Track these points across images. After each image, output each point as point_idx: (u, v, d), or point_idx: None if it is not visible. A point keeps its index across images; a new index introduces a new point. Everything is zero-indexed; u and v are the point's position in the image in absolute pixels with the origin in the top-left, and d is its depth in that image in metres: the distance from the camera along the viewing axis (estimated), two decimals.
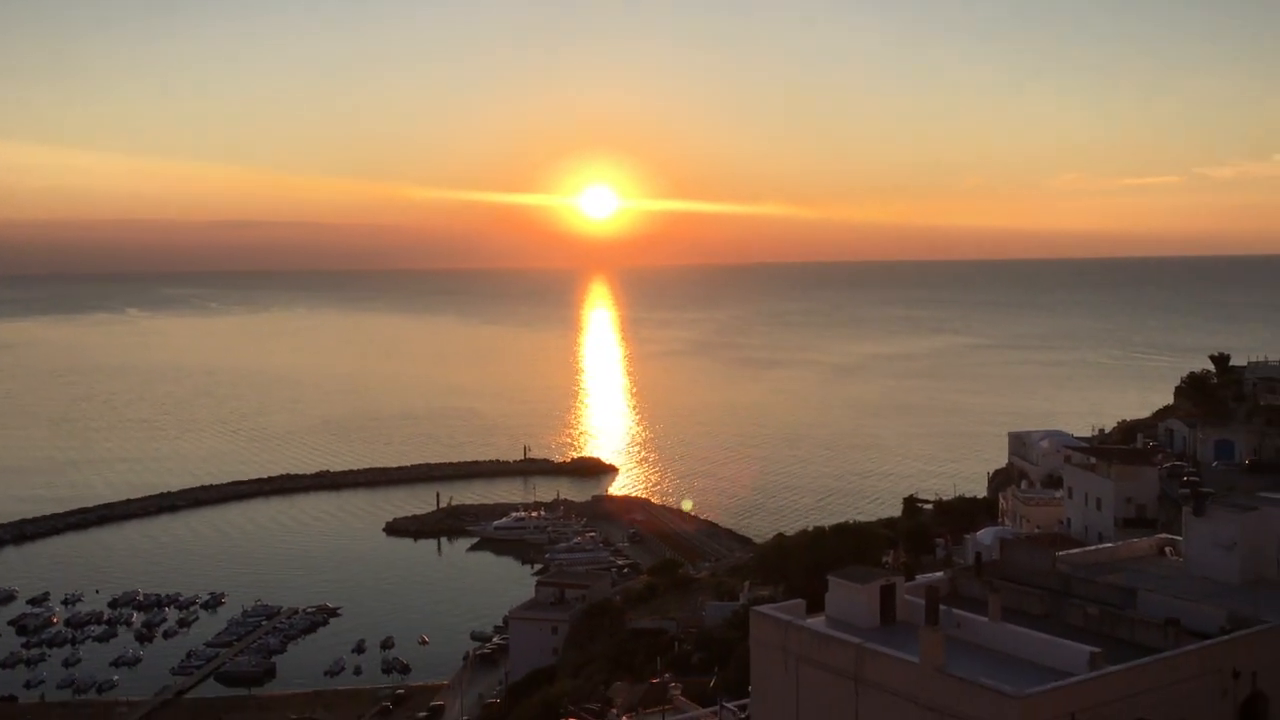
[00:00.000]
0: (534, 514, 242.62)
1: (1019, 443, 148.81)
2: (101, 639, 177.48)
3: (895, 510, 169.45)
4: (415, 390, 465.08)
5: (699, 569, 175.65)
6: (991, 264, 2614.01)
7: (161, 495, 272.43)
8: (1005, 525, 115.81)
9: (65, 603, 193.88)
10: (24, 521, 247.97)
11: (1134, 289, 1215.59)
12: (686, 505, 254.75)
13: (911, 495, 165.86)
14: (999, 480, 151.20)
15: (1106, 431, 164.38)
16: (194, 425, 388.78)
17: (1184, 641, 42.27)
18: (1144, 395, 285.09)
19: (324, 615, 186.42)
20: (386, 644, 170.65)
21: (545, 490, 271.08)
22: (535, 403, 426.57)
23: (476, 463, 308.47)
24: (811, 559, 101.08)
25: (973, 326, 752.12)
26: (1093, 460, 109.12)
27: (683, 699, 77.29)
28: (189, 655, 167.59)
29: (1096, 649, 40.30)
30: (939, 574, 57.53)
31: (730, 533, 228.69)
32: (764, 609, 49.31)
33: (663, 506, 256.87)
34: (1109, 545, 62.71)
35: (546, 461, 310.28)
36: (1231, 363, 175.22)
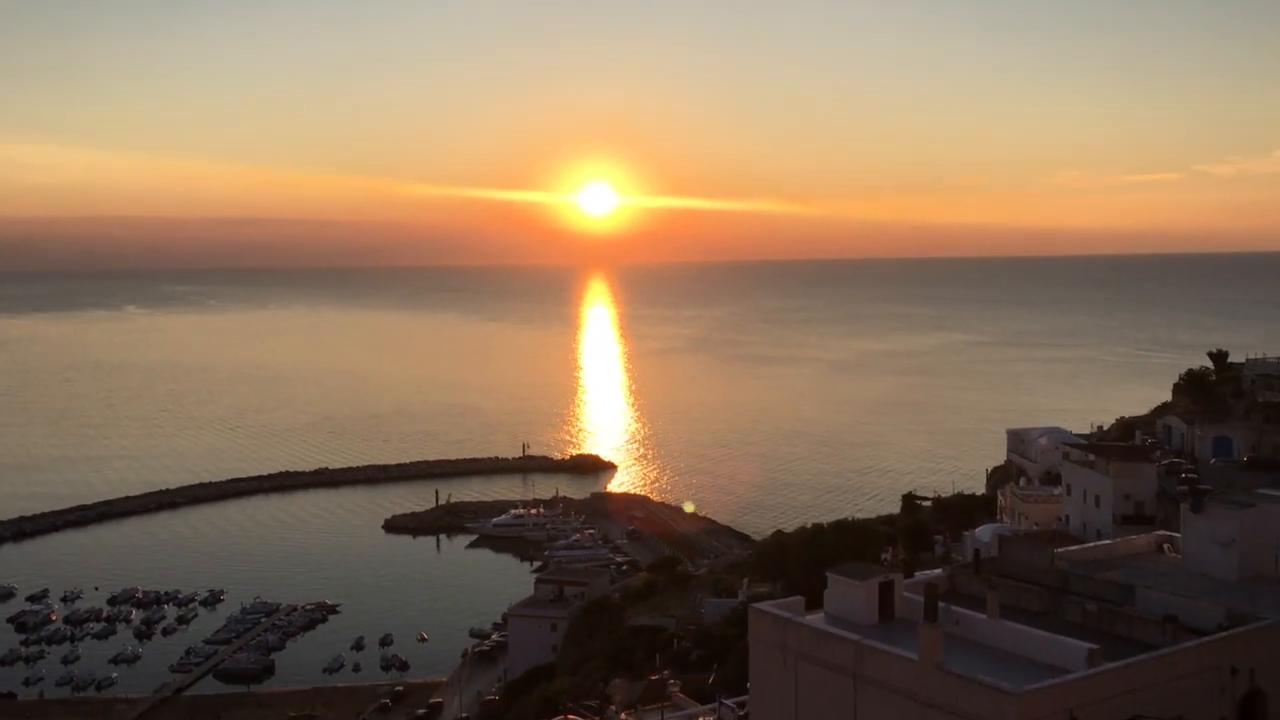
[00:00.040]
0: (533, 511, 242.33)
1: (1018, 440, 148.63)
2: (100, 636, 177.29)
3: (894, 507, 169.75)
4: (414, 387, 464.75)
5: (698, 566, 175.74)
6: (991, 261, 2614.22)
7: (160, 492, 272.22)
8: (1004, 522, 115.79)
9: (64, 600, 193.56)
10: (23, 519, 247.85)
11: (1135, 286, 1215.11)
12: (686, 504, 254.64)
13: (910, 492, 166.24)
14: (997, 477, 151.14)
15: (1105, 428, 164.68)
16: (193, 422, 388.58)
17: (1182, 638, 42.31)
18: (1143, 392, 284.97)
19: (323, 612, 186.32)
20: (385, 641, 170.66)
21: (544, 487, 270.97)
22: (534, 400, 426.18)
23: (475, 460, 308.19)
24: (810, 556, 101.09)
25: (972, 323, 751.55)
26: (1091, 457, 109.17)
27: (681, 696, 77.30)
28: (188, 652, 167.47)
29: (1095, 646, 40.38)
30: (938, 571, 57.50)
31: (729, 530, 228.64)
32: (763, 606, 49.32)
33: (661, 504, 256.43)
34: (1107, 542, 62.86)
35: (545, 459, 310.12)
36: (1230, 359, 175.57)
